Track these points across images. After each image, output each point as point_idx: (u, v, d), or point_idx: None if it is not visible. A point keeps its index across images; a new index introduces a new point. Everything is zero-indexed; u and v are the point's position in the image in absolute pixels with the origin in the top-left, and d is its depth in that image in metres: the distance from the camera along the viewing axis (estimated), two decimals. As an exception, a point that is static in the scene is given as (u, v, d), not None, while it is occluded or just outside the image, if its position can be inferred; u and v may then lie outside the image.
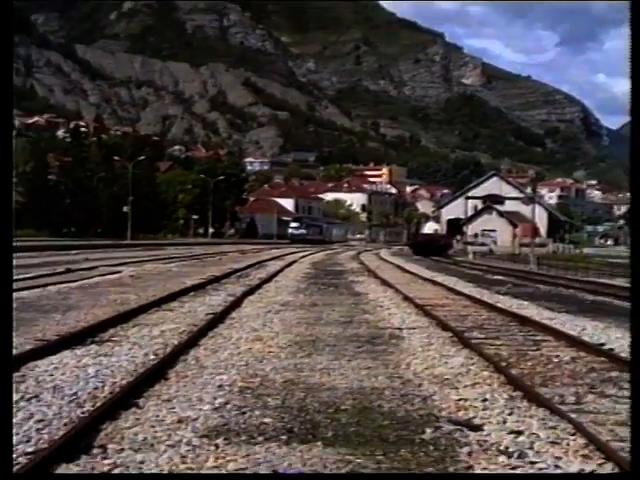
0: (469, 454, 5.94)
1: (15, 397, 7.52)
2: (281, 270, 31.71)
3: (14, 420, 6.58)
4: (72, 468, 5.35)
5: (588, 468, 5.62)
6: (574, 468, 5.60)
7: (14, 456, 5.55)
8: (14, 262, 30.64)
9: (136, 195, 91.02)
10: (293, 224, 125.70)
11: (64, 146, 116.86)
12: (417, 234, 76.31)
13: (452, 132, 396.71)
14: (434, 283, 25.79)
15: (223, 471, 5.36)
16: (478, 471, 5.50)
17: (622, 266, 46.97)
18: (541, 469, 5.58)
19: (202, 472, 4.92)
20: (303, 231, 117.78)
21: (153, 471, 5.34)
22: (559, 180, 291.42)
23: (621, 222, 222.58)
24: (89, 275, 25.45)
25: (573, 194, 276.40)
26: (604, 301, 20.90)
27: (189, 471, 5.36)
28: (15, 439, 6.01)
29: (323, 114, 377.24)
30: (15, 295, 17.73)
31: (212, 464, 5.51)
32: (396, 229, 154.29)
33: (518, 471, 5.51)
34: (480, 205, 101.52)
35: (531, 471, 5.52)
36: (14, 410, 6.94)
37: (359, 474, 4.20)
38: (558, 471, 5.53)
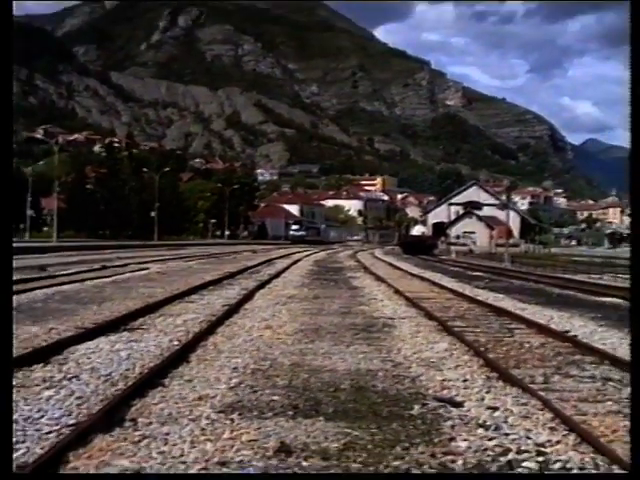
0: (452, 427, 5.93)
1: (58, 376, 7.55)
2: (288, 267, 31.73)
3: (58, 396, 6.59)
4: (108, 439, 5.33)
5: (554, 439, 5.59)
6: (542, 439, 5.58)
7: (57, 426, 5.56)
8: (60, 260, 30.88)
9: (162, 202, 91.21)
10: (294, 226, 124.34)
11: (100, 159, 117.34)
12: (406, 235, 76.11)
13: (437, 147, 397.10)
14: (422, 279, 25.76)
15: (237, 443, 5.34)
16: (460, 442, 5.48)
17: (584, 263, 47.15)
18: (514, 440, 5.55)
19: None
20: (303, 233, 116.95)
21: (176, 442, 5.33)
22: (530, 189, 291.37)
23: (583, 225, 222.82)
24: (121, 271, 25.57)
25: (542, 201, 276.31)
26: (569, 294, 20.86)
27: (208, 442, 5.34)
28: (58, 413, 6.04)
29: (324, 131, 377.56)
30: (57, 289, 17.83)
31: (228, 436, 5.50)
32: (388, 231, 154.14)
33: (493, 442, 5.48)
34: (461, 210, 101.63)
35: (505, 441, 5.50)
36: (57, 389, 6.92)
37: (359, 474, 3.95)
38: (529, 441, 5.52)
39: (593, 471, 4.88)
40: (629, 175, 2.91)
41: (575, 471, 4.90)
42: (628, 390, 7.62)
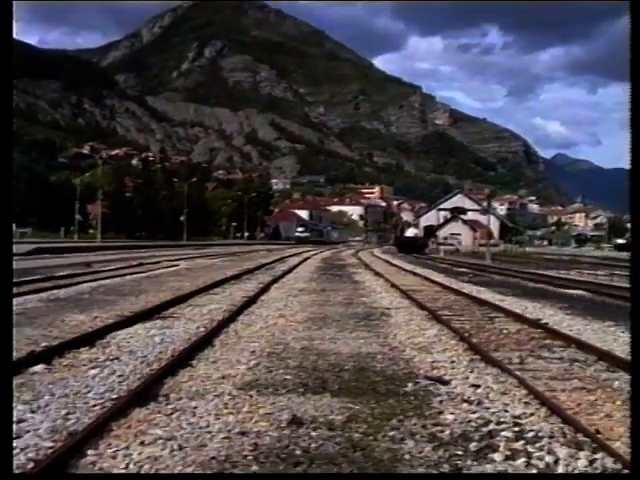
0: (440, 402, 5.92)
1: (102, 358, 7.56)
2: (298, 264, 31.64)
3: (102, 374, 6.61)
4: (144, 411, 5.33)
5: (528, 411, 5.58)
6: (518, 412, 5.56)
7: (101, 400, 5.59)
8: (103, 258, 30.80)
9: (190, 208, 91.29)
10: (299, 228, 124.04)
11: (137, 171, 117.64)
12: (401, 237, 75.80)
13: (427, 160, 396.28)
14: (414, 274, 25.69)
15: (255, 416, 5.33)
16: (447, 415, 5.47)
17: (554, 261, 47.04)
18: (494, 413, 5.54)
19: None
20: (307, 234, 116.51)
21: (203, 414, 5.33)
22: (507, 196, 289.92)
23: (553, 228, 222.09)
24: (155, 268, 25.53)
25: (518, 207, 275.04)
26: (541, 287, 20.81)
27: (230, 415, 5.34)
28: (102, 389, 6.04)
29: (330, 146, 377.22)
30: (101, 282, 17.85)
31: (247, 409, 5.50)
32: (385, 233, 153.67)
33: (476, 415, 5.46)
34: (449, 215, 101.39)
35: (486, 414, 5.48)
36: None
37: (359, 474, 3.76)
38: (506, 414, 5.49)
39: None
40: (629, 175, 2.71)
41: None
42: (592, 369, 7.62)
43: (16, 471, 3.97)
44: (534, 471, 4.26)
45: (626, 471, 3.97)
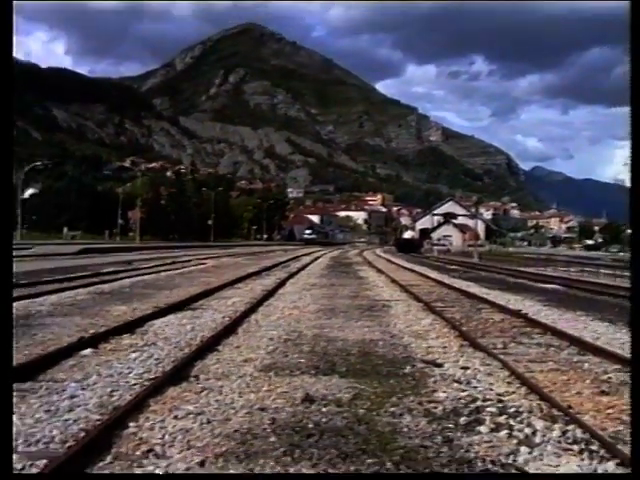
0: (434, 382, 5.90)
1: (141, 343, 7.58)
2: (310, 263, 31.56)
3: (141, 358, 6.64)
4: (177, 390, 5.34)
5: (510, 390, 5.55)
6: (501, 390, 5.53)
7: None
8: (142, 256, 30.80)
9: (216, 213, 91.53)
10: (307, 231, 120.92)
11: (171, 182, 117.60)
12: (400, 238, 75.41)
13: (423, 172, 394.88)
14: (411, 271, 25.62)
15: (273, 395, 5.32)
16: (440, 393, 5.45)
17: (532, 259, 46.77)
18: (480, 391, 5.51)
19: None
20: (314, 236, 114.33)
21: (228, 393, 5.33)
22: (492, 203, 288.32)
23: (532, 230, 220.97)
24: (186, 265, 25.57)
25: (501, 212, 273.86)
26: (521, 282, 20.71)
27: (252, 393, 5.34)
28: (141, 370, 6.05)
29: (338, 160, 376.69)
30: (140, 278, 17.87)
31: (266, 389, 5.50)
32: (386, 235, 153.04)
33: (465, 393, 5.44)
34: (441, 219, 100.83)
35: (474, 393, 5.45)
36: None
37: (359, 474, 3.54)
38: (491, 392, 5.47)
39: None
40: (630, 177, 2.53)
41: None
42: (565, 353, 7.58)
43: (77, 434, 3.99)
44: (514, 441, 4.24)
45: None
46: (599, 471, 3.75)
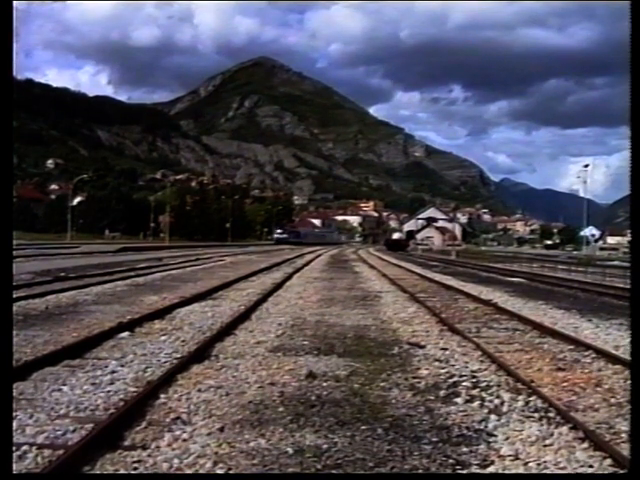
0: (418, 361, 5.89)
1: (169, 327, 7.56)
2: (313, 260, 31.50)
3: (170, 340, 6.64)
4: (200, 367, 5.34)
5: (482, 367, 5.55)
6: (475, 368, 5.53)
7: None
8: (170, 254, 30.62)
9: (234, 217, 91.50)
10: (278, 230, 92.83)
11: (195, 191, 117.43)
12: (389, 239, 75.29)
13: (409, 182, 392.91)
14: (399, 267, 25.58)
15: (281, 372, 5.31)
16: (423, 370, 5.45)
17: (501, 257, 46.59)
18: (457, 369, 5.50)
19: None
20: (285, 236, 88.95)
21: (243, 370, 5.31)
22: (467, 209, 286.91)
23: (500, 232, 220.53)
24: (208, 261, 25.52)
25: (475, 217, 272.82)
26: (492, 276, 20.68)
27: (264, 371, 5.33)
28: (170, 350, 6.03)
29: (337, 172, 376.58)
30: (168, 272, 17.80)
31: (276, 367, 5.49)
32: (378, 236, 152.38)
33: (444, 370, 5.43)
34: (425, 223, 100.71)
35: (451, 370, 5.43)
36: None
37: (359, 474, 3.17)
38: (466, 369, 5.46)
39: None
40: (630, 178, 2.31)
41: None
42: (528, 336, 7.57)
43: (118, 403, 4.00)
44: (485, 410, 4.23)
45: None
46: (555, 435, 3.74)
